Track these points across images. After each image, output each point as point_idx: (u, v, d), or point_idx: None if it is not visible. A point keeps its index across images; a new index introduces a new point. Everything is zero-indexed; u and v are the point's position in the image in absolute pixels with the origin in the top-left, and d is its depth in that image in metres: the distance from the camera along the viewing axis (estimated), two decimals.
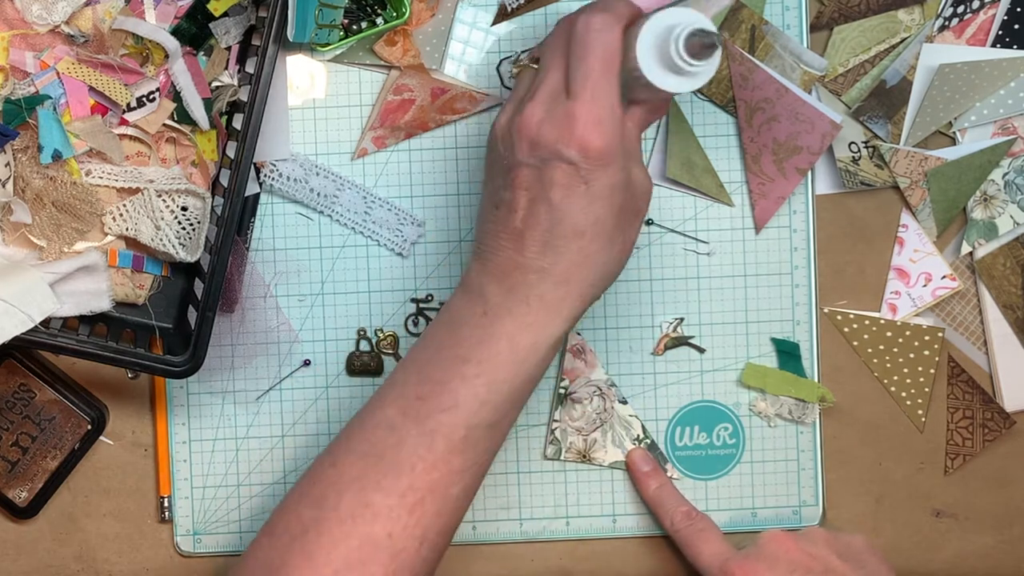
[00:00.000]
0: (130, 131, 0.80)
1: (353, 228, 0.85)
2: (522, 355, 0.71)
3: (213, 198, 0.81)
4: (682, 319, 0.86)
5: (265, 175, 0.83)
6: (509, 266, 0.71)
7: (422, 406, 0.71)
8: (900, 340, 0.86)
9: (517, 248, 0.71)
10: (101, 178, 0.79)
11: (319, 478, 0.73)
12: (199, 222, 0.80)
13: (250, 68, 0.79)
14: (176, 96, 0.80)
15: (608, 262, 0.72)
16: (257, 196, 0.84)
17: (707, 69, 0.69)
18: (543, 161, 0.69)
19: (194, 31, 0.79)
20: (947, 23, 0.84)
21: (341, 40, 0.81)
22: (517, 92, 0.73)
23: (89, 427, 0.84)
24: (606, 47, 0.69)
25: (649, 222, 0.85)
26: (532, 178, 0.70)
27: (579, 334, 0.86)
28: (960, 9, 0.84)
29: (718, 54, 0.68)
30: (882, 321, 0.86)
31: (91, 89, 0.78)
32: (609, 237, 0.71)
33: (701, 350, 0.87)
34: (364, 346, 0.86)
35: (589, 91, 0.68)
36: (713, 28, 0.67)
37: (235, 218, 0.77)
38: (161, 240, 0.80)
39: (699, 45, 0.67)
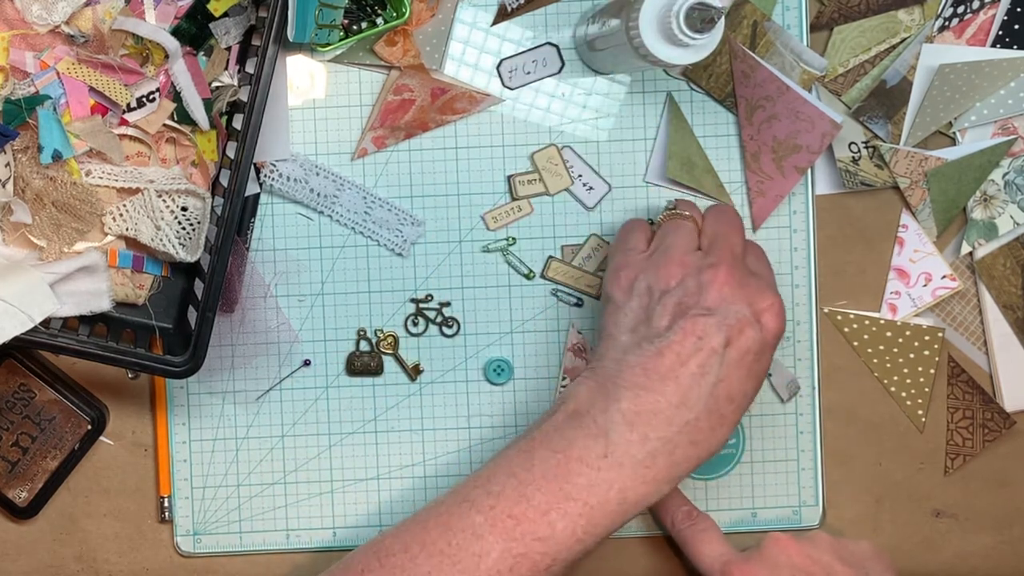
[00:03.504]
0: (130, 131, 0.80)
1: (353, 228, 0.85)
2: (628, 508, 0.70)
3: (213, 198, 0.80)
4: None
5: (265, 175, 0.83)
6: (646, 411, 0.69)
7: (515, 527, 0.69)
8: (900, 340, 0.86)
9: (660, 391, 0.69)
10: (101, 178, 0.79)
11: (386, 560, 0.71)
12: (199, 222, 0.80)
13: (250, 68, 0.79)
14: (176, 96, 0.80)
15: (723, 441, 0.71)
16: (257, 196, 0.84)
17: (708, 42, 0.70)
18: (730, 315, 0.69)
19: (194, 31, 0.79)
20: (947, 23, 0.84)
21: (341, 40, 0.81)
22: (676, 240, 0.74)
23: (89, 427, 0.84)
24: None
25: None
26: (711, 328, 0.69)
27: (580, 333, 0.86)
28: (960, 9, 0.84)
29: (719, 27, 0.69)
30: (882, 321, 0.86)
31: (91, 89, 0.78)
32: (738, 417, 0.71)
33: None
34: (364, 346, 0.85)
35: (775, 289, 0.72)
36: (714, 2, 0.68)
37: (235, 218, 0.77)
38: (161, 240, 0.80)
39: (699, 18, 0.68)
